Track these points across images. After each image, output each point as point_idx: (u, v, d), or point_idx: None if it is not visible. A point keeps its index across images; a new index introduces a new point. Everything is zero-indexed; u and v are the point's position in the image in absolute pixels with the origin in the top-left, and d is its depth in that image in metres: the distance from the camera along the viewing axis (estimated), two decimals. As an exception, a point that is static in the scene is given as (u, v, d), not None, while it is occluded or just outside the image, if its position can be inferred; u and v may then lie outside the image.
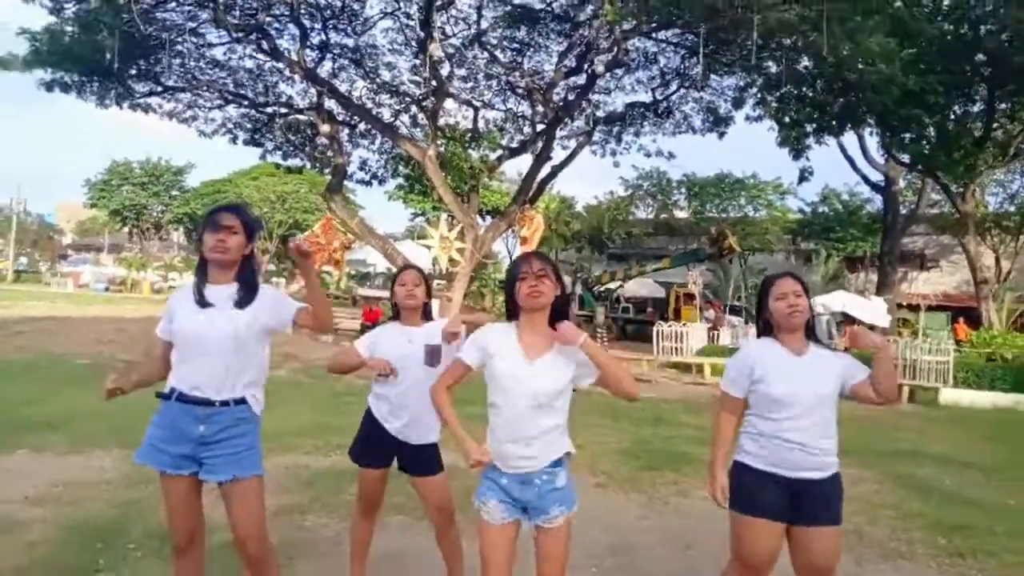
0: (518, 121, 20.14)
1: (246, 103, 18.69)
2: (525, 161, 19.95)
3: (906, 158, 19.81)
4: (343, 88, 18.51)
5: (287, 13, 15.87)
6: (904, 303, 26.45)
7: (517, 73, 18.02)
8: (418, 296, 3.21)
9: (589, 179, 61.87)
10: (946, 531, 4.73)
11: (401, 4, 16.48)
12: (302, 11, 15.85)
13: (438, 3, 15.69)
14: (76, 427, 6.38)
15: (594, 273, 29.11)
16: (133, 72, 16.41)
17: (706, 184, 33.06)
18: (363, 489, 3.24)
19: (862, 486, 5.74)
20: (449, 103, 18.91)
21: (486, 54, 18.00)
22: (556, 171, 18.50)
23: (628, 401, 2.67)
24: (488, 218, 29.22)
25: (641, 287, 29.00)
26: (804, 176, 19.24)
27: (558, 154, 18.69)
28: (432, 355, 3.09)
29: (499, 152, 20.26)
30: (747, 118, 17.99)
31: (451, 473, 3.32)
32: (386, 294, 15.91)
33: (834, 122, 17.68)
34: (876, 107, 15.74)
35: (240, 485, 2.54)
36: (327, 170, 20.04)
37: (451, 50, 17.58)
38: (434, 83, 17.00)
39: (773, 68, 15.50)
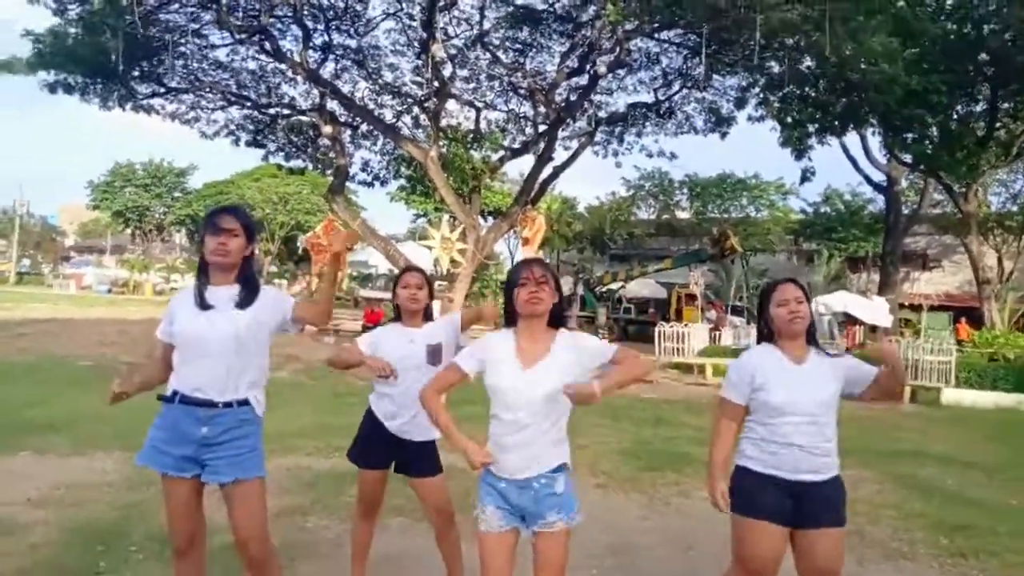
0: (520, 122, 20.17)
1: (249, 104, 18.74)
2: (527, 162, 19.99)
3: (908, 158, 19.81)
4: (345, 89, 18.57)
5: (290, 14, 15.90)
6: (906, 303, 26.43)
7: (519, 74, 18.02)
8: (421, 299, 3.23)
9: (591, 180, 61.90)
10: (948, 531, 4.71)
11: (403, 5, 16.52)
12: (305, 12, 15.88)
13: (440, 4, 15.69)
14: (78, 429, 6.39)
15: (596, 274, 29.08)
16: (136, 74, 16.46)
17: (708, 184, 33.07)
18: (363, 491, 3.25)
19: (864, 486, 5.73)
20: (451, 104, 18.98)
21: (488, 55, 18.01)
22: (558, 172, 18.53)
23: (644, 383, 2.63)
24: (490, 219, 29.26)
25: (643, 288, 28.97)
26: (806, 176, 19.26)
27: (560, 155, 18.78)
28: (434, 354, 3.12)
29: (501, 153, 20.30)
30: (749, 118, 18.03)
31: (450, 474, 3.32)
32: (388, 295, 15.95)
33: (836, 122, 17.68)
34: (879, 107, 15.73)
35: (242, 487, 2.53)
36: (329, 171, 20.09)
37: (453, 51, 17.61)
38: (436, 84, 17.03)
39: (775, 68, 15.49)
